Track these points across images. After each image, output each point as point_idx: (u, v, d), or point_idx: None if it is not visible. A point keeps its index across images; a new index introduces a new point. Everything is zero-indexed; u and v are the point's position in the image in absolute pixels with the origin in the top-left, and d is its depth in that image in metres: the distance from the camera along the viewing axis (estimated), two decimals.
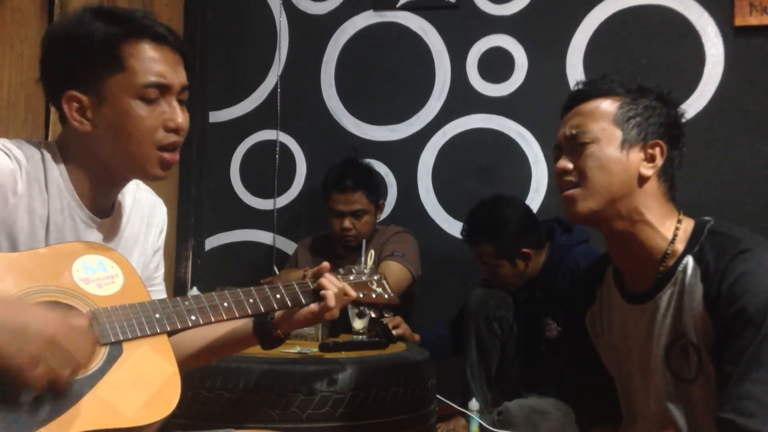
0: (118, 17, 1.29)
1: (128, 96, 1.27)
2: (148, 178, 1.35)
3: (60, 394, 1.11)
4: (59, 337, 1.07)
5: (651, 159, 1.43)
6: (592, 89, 1.47)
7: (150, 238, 1.48)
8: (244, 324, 1.47)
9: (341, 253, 3.05)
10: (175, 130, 1.31)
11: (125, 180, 1.37)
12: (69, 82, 1.28)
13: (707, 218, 1.44)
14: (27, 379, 1.05)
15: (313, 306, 1.45)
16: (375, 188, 3.08)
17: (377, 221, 3.13)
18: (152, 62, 1.28)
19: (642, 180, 1.42)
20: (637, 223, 1.42)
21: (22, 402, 1.08)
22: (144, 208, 1.47)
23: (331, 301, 1.43)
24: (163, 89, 1.29)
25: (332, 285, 1.46)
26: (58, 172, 1.29)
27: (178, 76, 1.31)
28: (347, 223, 2.98)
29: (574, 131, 1.44)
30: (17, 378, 1.05)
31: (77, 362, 1.10)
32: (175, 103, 1.31)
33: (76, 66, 1.27)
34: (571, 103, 1.49)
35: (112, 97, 1.27)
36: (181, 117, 1.31)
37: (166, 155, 1.31)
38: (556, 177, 1.48)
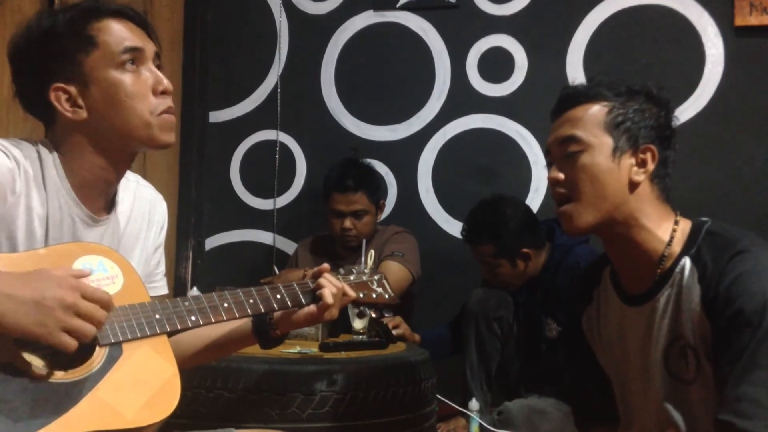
0: (73, 6, 1.33)
1: (110, 68, 1.30)
2: (156, 145, 1.35)
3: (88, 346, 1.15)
4: (75, 299, 1.10)
5: (642, 164, 1.42)
6: (580, 94, 1.46)
7: (151, 234, 1.49)
8: (243, 323, 1.47)
9: (341, 253, 3.05)
10: (164, 93, 1.33)
11: (124, 165, 1.37)
12: (49, 78, 1.29)
13: (704, 219, 1.44)
14: (58, 343, 1.09)
15: (313, 306, 1.45)
16: (376, 188, 3.08)
17: (377, 221, 3.13)
18: (120, 32, 1.32)
19: (633, 186, 1.41)
20: (633, 227, 1.42)
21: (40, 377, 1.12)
22: (144, 204, 1.48)
23: (329, 299, 1.43)
24: (138, 53, 1.32)
25: (331, 285, 1.45)
26: (55, 171, 1.29)
27: (147, 43, 1.35)
28: (348, 223, 2.98)
29: (563, 139, 1.44)
30: (49, 345, 1.10)
31: (98, 307, 1.13)
32: (154, 68, 1.34)
33: (51, 60, 1.29)
34: (560, 108, 1.48)
35: (95, 75, 1.29)
36: (165, 79, 1.34)
37: (165, 117, 1.33)
38: (550, 185, 1.49)
